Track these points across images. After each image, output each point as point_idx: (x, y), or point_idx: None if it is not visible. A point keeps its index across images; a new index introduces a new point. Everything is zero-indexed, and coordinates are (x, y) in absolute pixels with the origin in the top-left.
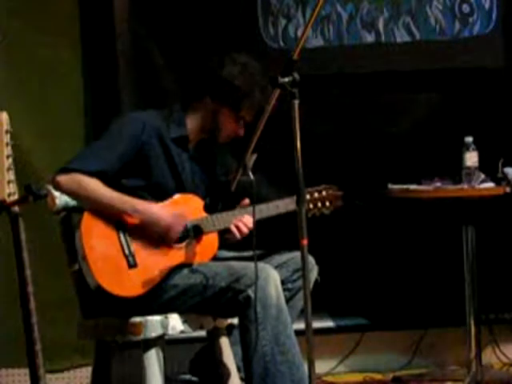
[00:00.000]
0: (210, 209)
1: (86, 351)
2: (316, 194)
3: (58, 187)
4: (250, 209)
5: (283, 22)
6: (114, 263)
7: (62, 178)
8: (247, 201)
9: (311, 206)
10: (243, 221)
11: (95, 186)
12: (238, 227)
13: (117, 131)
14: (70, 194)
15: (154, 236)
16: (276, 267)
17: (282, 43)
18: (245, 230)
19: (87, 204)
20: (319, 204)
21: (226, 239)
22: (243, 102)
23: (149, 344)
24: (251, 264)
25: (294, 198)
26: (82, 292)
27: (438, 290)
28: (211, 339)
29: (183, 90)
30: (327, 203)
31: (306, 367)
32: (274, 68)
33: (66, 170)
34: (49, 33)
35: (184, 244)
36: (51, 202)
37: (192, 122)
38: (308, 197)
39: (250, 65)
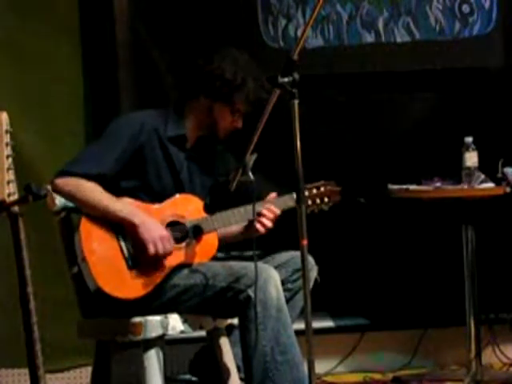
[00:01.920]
0: (209, 209)
1: (86, 351)
2: (314, 191)
3: (56, 190)
4: (236, 210)
5: (283, 22)
6: (113, 265)
7: (61, 181)
8: (274, 194)
9: (310, 202)
10: (265, 214)
11: (93, 190)
12: (261, 222)
13: (115, 132)
14: (69, 198)
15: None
16: (276, 267)
17: (282, 43)
18: (269, 224)
19: (84, 208)
20: (318, 200)
21: (249, 235)
22: (236, 95)
23: (149, 344)
24: (251, 264)
25: (293, 194)
26: (81, 294)
27: (438, 289)
28: (211, 339)
29: (179, 89)
30: (325, 199)
31: (305, 367)
32: (274, 68)
33: (64, 173)
34: (49, 33)
35: (184, 244)
36: (51, 202)
37: (189, 121)
38: (306, 193)
39: (240, 57)
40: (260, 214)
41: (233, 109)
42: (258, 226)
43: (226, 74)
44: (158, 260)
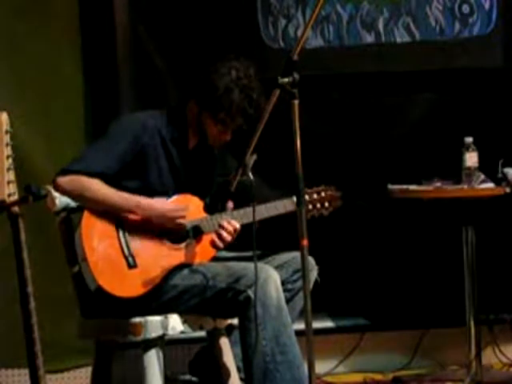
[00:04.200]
0: (209, 209)
1: (86, 351)
2: (315, 195)
3: (58, 189)
4: (241, 211)
5: (283, 22)
6: (114, 264)
7: (63, 180)
8: (231, 204)
9: (310, 207)
10: (225, 227)
11: (96, 186)
12: (220, 236)
13: (117, 132)
14: (72, 196)
15: (159, 229)
16: (276, 268)
17: (281, 43)
18: (228, 238)
19: (89, 205)
20: (318, 205)
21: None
22: (218, 104)
23: (149, 344)
24: (251, 264)
25: (293, 198)
26: (82, 293)
27: (438, 290)
28: (211, 339)
29: (181, 92)
30: (326, 204)
31: (305, 367)
32: (274, 68)
33: (66, 172)
34: (49, 33)
35: (184, 244)
36: (51, 203)
37: (188, 123)
38: (307, 198)
39: (239, 69)
40: (220, 227)
41: (215, 119)
42: (216, 240)
43: (211, 82)
44: (155, 261)
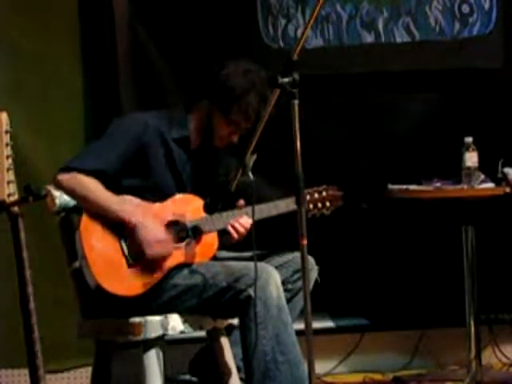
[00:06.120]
0: (209, 209)
1: (86, 351)
2: (316, 195)
3: (58, 186)
4: (249, 209)
5: (283, 22)
6: (113, 263)
7: (63, 177)
8: (242, 202)
9: (311, 206)
10: (240, 221)
11: (94, 187)
12: (234, 228)
13: (118, 131)
14: (70, 193)
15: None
16: (276, 267)
17: (281, 43)
18: (242, 230)
19: (86, 204)
20: (319, 204)
21: (225, 241)
22: (234, 105)
23: (149, 344)
24: (251, 264)
25: (294, 197)
26: (81, 291)
27: (438, 290)
28: (211, 339)
29: (186, 91)
30: (327, 203)
31: (306, 367)
32: (274, 68)
33: (66, 169)
34: (49, 33)
35: (184, 244)
36: (51, 203)
37: (193, 123)
38: (308, 197)
39: (253, 72)
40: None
41: (229, 119)
42: (232, 231)
43: (228, 83)
44: (156, 261)
